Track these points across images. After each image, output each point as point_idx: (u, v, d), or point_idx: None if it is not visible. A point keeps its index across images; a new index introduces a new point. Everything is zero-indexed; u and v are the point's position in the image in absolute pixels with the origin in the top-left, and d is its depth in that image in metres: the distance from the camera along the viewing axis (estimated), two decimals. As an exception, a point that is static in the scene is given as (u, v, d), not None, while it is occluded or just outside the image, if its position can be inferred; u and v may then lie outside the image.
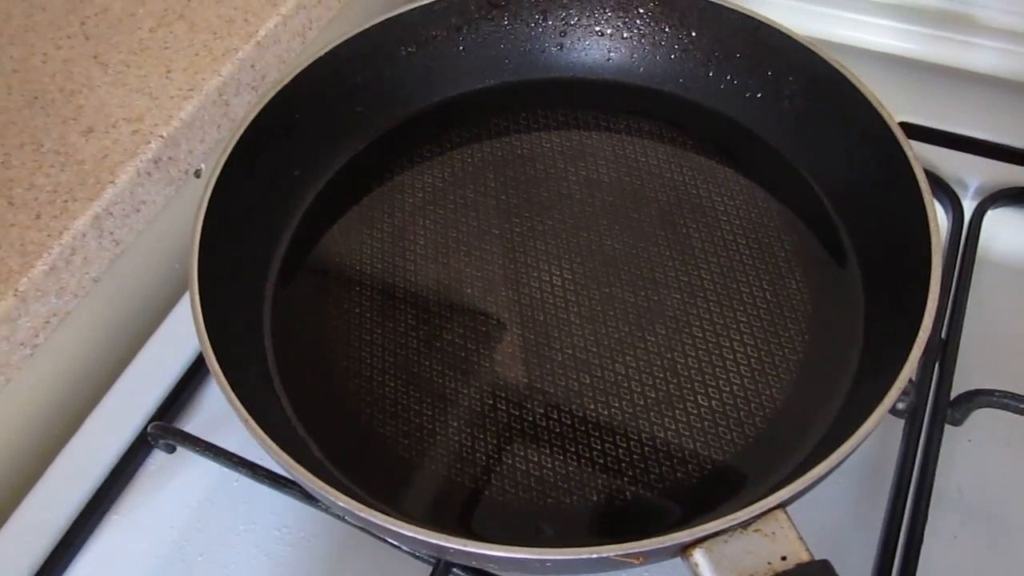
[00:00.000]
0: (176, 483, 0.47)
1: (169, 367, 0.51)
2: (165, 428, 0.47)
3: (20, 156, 0.51)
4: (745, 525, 0.34)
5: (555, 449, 0.43)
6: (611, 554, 0.33)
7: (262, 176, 0.50)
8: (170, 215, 0.55)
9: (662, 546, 0.33)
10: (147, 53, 0.57)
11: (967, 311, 0.49)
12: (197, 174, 0.55)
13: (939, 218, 0.43)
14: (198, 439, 0.46)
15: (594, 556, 0.33)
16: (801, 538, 0.34)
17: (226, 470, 0.45)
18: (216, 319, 0.41)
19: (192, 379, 0.50)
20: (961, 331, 0.48)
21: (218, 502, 0.46)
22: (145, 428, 0.48)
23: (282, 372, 0.46)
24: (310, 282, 0.50)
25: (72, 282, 0.48)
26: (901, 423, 0.45)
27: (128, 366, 0.52)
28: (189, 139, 0.54)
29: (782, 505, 0.34)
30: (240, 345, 0.44)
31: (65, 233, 0.48)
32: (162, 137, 0.52)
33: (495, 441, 0.43)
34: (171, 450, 0.48)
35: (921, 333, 0.38)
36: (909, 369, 0.37)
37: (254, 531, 0.45)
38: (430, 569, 0.41)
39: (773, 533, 0.34)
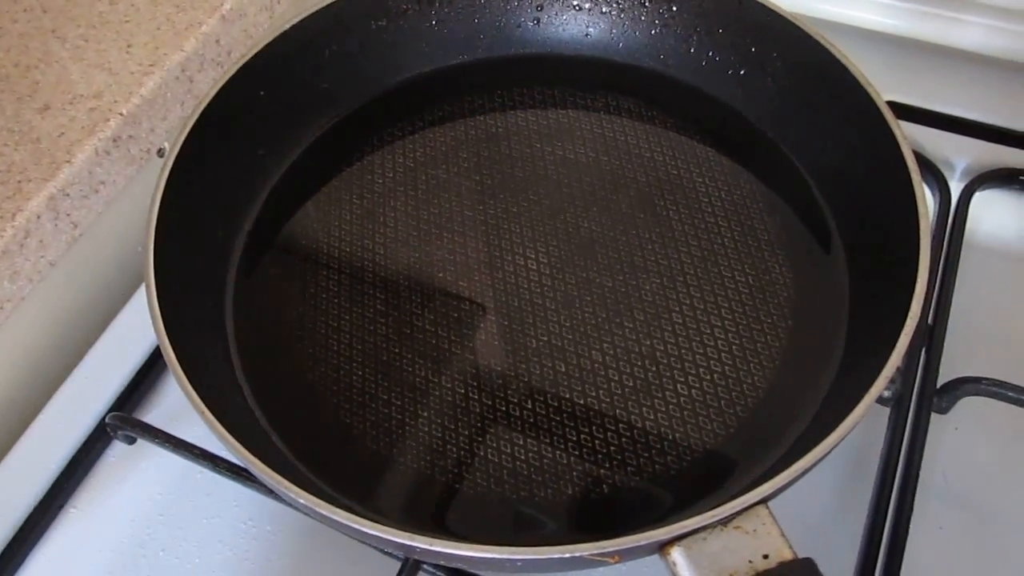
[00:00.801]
0: (136, 476, 0.46)
1: (129, 355, 0.50)
2: (124, 419, 0.46)
3: (-29, 134, 0.49)
4: (725, 522, 0.33)
5: (530, 440, 0.42)
6: (585, 553, 0.32)
7: (224, 155, 0.48)
8: (131, 196, 0.53)
9: (638, 544, 0.32)
10: (107, 27, 0.55)
11: (953, 297, 0.48)
12: (160, 153, 0.54)
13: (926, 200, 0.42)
14: (158, 430, 0.45)
15: (567, 555, 0.32)
16: (784, 535, 0.33)
17: (188, 462, 0.44)
18: (174, 306, 0.40)
19: (153, 368, 0.49)
20: (948, 317, 0.47)
21: (180, 495, 0.45)
22: (104, 419, 0.47)
23: (244, 361, 0.44)
24: (274, 267, 0.48)
25: (27, 266, 0.47)
26: (886, 411, 0.44)
27: (86, 354, 0.50)
28: (151, 117, 0.52)
29: (764, 500, 0.33)
30: (199, 333, 0.43)
31: (19, 215, 0.46)
32: (122, 114, 0.51)
33: (468, 432, 0.42)
34: (131, 441, 0.47)
35: (909, 320, 0.37)
36: (897, 357, 0.36)
37: (217, 525, 0.44)
38: (399, 565, 0.40)
39: (754, 530, 0.33)
